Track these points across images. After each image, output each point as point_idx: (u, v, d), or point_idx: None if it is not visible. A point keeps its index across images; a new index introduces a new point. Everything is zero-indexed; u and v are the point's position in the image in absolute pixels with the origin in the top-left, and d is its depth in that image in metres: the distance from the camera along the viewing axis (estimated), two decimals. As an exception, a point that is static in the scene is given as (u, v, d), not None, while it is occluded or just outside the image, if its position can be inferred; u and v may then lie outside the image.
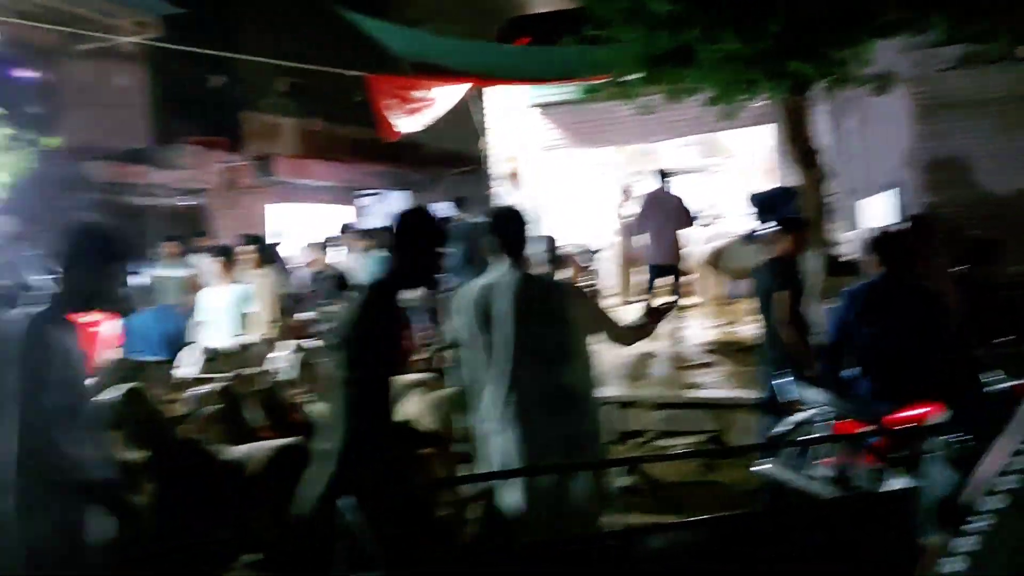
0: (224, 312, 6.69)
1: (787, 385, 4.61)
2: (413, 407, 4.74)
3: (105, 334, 6.31)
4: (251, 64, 13.03)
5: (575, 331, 3.40)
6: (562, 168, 12.72)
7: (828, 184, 7.51)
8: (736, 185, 11.95)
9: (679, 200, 9.19)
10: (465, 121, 12.36)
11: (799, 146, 7.32)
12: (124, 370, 5.11)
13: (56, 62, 11.17)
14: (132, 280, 10.01)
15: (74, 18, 10.09)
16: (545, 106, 11.97)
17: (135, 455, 3.88)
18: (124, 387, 4.08)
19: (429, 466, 4.21)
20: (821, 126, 9.11)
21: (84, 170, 10.92)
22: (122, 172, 11.49)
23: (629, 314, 4.64)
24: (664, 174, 9.70)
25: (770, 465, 4.24)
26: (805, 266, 5.68)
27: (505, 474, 3.33)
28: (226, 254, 6.90)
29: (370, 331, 3.02)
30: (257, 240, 7.53)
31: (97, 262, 2.85)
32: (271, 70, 15.11)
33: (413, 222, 3.23)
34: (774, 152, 11.14)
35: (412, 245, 3.16)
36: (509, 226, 3.48)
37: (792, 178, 8.35)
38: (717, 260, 9.21)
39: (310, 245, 10.36)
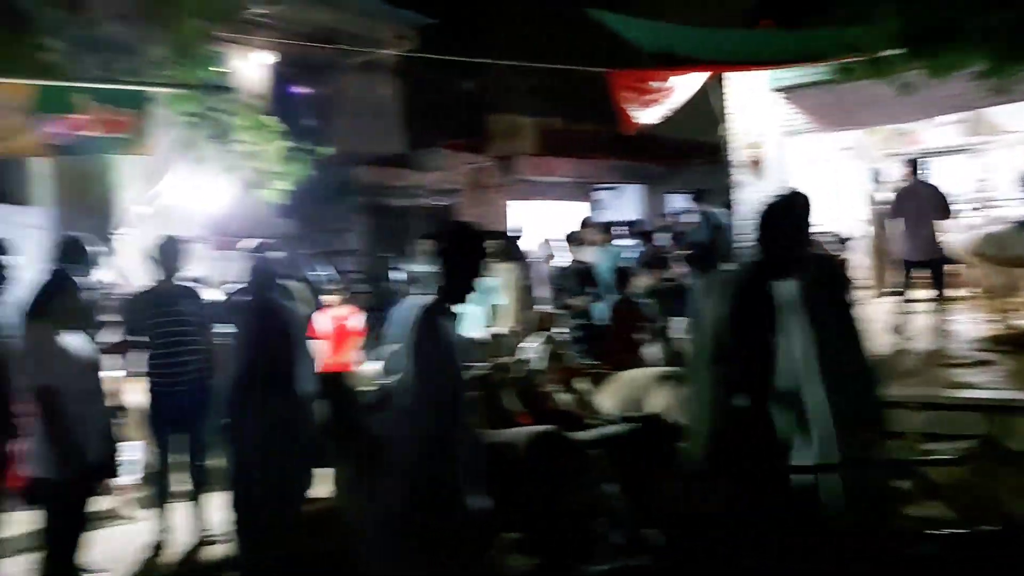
0: (475, 304, 7.10)
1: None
2: (661, 400, 4.79)
3: (353, 326, 6.93)
4: (496, 68, 13.65)
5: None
6: (807, 153, 12.11)
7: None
8: (1007, 165, 10.80)
9: (935, 190, 8.46)
10: (703, 109, 12.13)
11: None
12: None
13: (326, 77, 12.35)
14: (392, 275, 10.88)
15: (343, 35, 11.09)
16: (788, 89, 11.43)
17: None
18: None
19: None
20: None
21: (351, 175, 12.00)
22: (383, 176, 12.49)
23: (881, 309, 4.38)
24: (916, 162, 9.04)
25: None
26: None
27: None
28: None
29: (743, 316, 3.11)
30: (502, 236, 7.89)
31: (470, 261, 3.27)
32: (515, 72, 15.72)
33: (778, 210, 3.24)
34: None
35: (777, 234, 3.19)
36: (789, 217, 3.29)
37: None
38: (989, 248, 8.38)
39: (548, 240, 10.70)
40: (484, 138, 16.21)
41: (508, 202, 15.14)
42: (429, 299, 3.12)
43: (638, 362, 5.51)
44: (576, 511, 3.57)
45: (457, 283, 3.17)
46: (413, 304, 3.12)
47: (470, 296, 3.32)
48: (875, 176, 10.68)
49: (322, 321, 6.54)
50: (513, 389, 4.70)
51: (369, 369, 6.24)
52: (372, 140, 12.65)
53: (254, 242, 6.37)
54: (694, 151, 17.78)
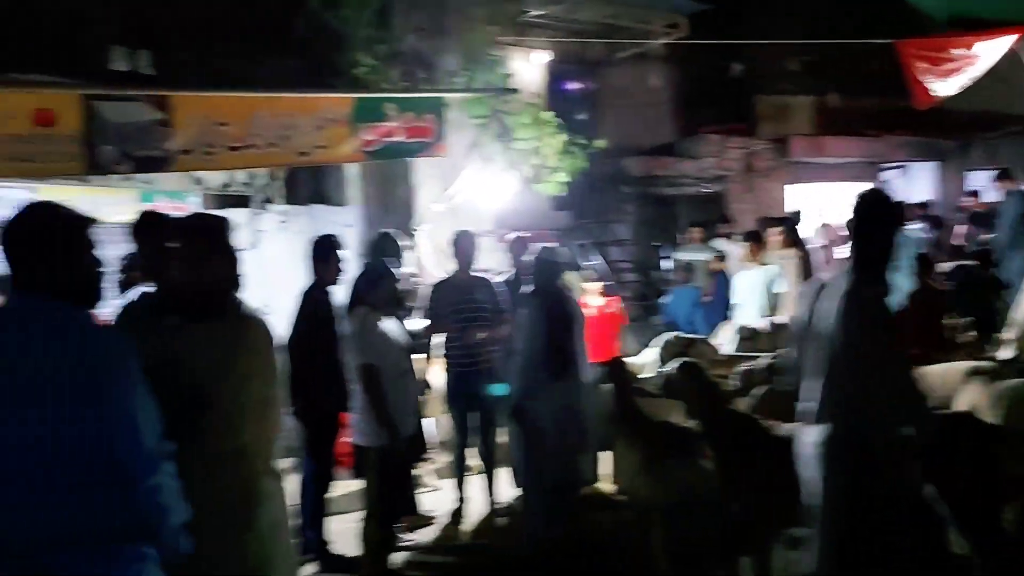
0: (755, 293, 6.95)
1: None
2: (971, 397, 4.41)
3: (621, 315, 7.03)
4: (768, 47, 13.14)
5: None
6: None
7: None
8: None
9: None
10: (1006, 77, 10.87)
11: None
12: (677, 345, 5.62)
13: (598, 71, 12.59)
14: (663, 263, 10.92)
15: (615, 29, 11.25)
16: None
17: (693, 424, 4.29)
18: (679, 360, 4.52)
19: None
20: None
21: (621, 166, 12.15)
22: (653, 165, 12.52)
23: None
24: None
25: None
26: None
27: None
28: (756, 238, 7.15)
29: None
30: (784, 222, 7.64)
31: (886, 230, 3.18)
32: (788, 50, 15.03)
33: None
34: None
35: None
36: None
37: None
38: None
39: (825, 225, 10.16)
40: (755, 121, 15.66)
41: (783, 186, 14.53)
42: (850, 277, 3.09)
43: (942, 356, 5.09)
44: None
45: (875, 254, 3.09)
46: (835, 284, 3.08)
47: (886, 269, 3.20)
48: None
49: (593, 309, 6.74)
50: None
51: (643, 358, 6.33)
52: (641, 130, 12.72)
53: (538, 234, 6.71)
54: (996, 123, 15.94)
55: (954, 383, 4.47)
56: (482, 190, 7.83)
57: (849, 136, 15.53)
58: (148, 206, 5.39)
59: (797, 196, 14.77)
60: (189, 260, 2.76)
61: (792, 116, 16.45)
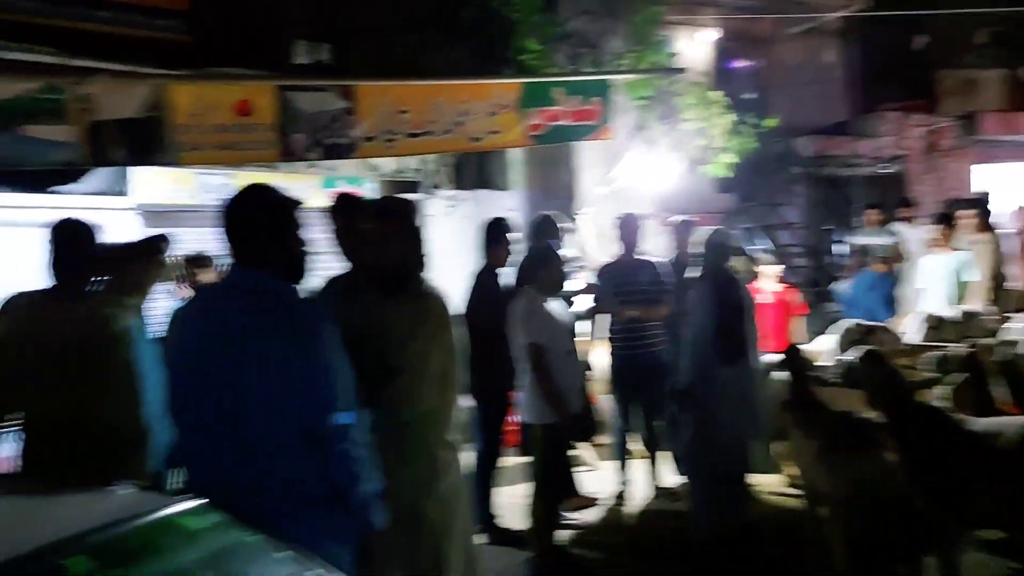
0: (943, 279, 6.54)
1: None
2: None
3: (792, 300, 6.77)
4: (950, 18, 12.23)
5: None
6: None
7: None
8: None
9: None
10: None
11: None
12: (857, 333, 5.38)
13: (768, 48, 12.13)
14: (836, 248, 10.43)
15: (785, 3, 10.81)
16: None
17: (876, 415, 4.10)
18: (862, 348, 4.33)
19: None
20: None
21: (793, 147, 11.67)
22: (826, 145, 11.95)
23: None
24: None
25: None
26: None
27: None
28: (946, 220, 6.72)
29: None
30: (977, 204, 7.12)
31: None
32: (973, 20, 13.92)
33: None
34: None
35: None
36: None
37: None
38: None
39: (1021, 208, 9.38)
40: (938, 97, 14.61)
41: (969, 166, 13.51)
42: None
43: None
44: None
45: None
46: None
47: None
48: None
49: (762, 295, 6.55)
50: (998, 374, 4.25)
51: (819, 345, 6.09)
52: (814, 109, 12.15)
53: (705, 217, 6.58)
54: None
55: None
56: (645, 173, 7.75)
57: (1047, 111, 14.24)
58: (332, 191, 5.68)
59: (985, 177, 13.70)
60: (382, 240, 2.90)
61: (980, 91, 15.24)
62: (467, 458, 5.01)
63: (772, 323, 6.31)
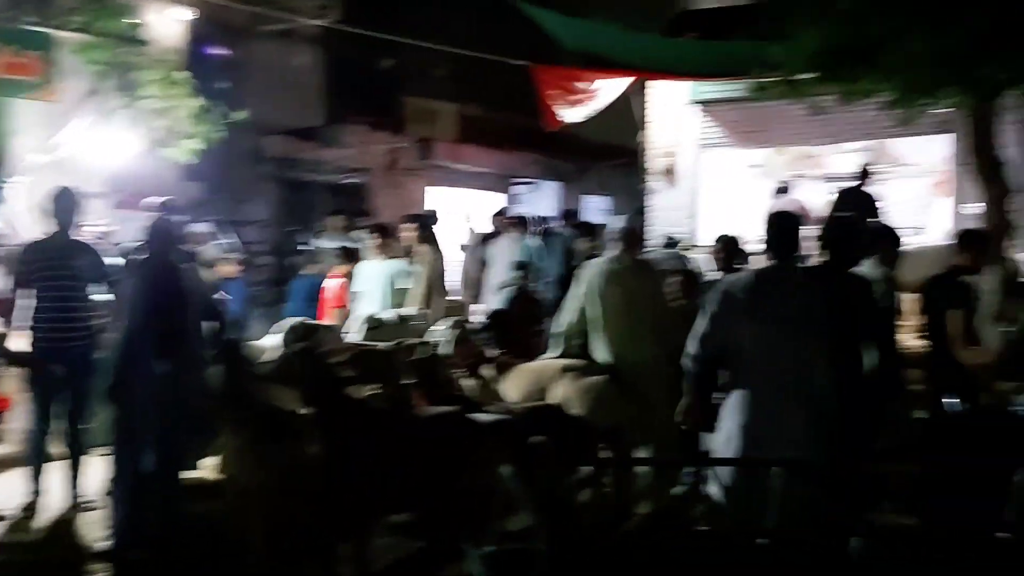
0: (379, 284, 7.04)
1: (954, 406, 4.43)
2: (561, 391, 4.84)
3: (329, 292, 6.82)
4: (417, 48, 13.45)
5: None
6: (720, 167, 12.48)
7: (1011, 200, 7.06)
8: (902, 197, 11.36)
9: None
10: (624, 114, 12.32)
11: (984, 157, 6.91)
12: (300, 331, 5.46)
13: (245, 41, 11.94)
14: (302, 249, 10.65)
15: (263, 1, 10.74)
16: (707, 103, 11.78)
17: (306, 410, 4.18)
18: (297, 347, 4.40)
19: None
20: (1007, 138, 8.53)
21: (263, 144, 11.65)
22: (294, 148, 12.16)
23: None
24: (782, 188, 10.42)
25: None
26: (981, 284, 5.37)
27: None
28: (383, 231, 7.25)
29: None
30: (419, 219, 7.83)
31: None
32: (435, 55, 15.55)
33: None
34: (950, 163, 10.51)
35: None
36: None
37: (970, 191, 7.89)
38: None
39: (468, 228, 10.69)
40: (402, 119, 15.98)
41: (424, 187, 15.00)
42: None
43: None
44: (471, 494, 3.58)
45: None
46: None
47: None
48: (777, 194, 11.13)
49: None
50: (416, 371, 4.67)
51: (267, 342, 6.07)
52: (286, 110, 12.28)
53: (157, 201, 6.14)
54: (611, 153, 18.01)
55: (548, 378, 4.89)
56: (96, 145, 6.99)
57: (488, 147, 16.51)
58: None
59: (438, 198, 15.33)
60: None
61: (437, 120, 17.08)
62: None
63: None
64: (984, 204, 7.04)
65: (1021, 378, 5.48)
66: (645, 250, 10.32)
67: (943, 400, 4.68)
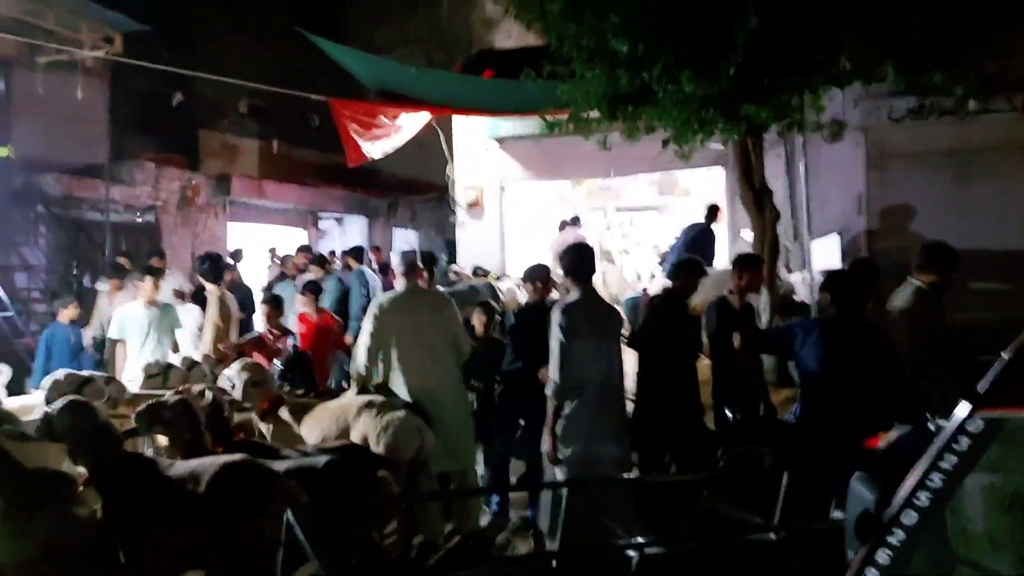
0: (157, 329, 6.60)
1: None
2: (362, 427, 4.75)
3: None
4: (211, 83, 12.99)
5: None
6: (521, 199, 12.89)
7: (778, 225, 7.71)
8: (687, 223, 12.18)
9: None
10: (432, 150, 12.46)
11: (750, 187, 7.52)
12: (68, 384, 5.02)
13: (17, 74, 11.01)
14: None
15: (37, 30, 9.98)
16: (503, 139, 12.16)
17: (79, 468, 3.84)
18: (67, 399, 4.03)
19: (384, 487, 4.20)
20: (775, 169, 9.35)
21: (40, 183, 10.74)
22: (77, 186, 11.30)
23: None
24: (572, 220, 11.42)
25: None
26: (759, 304, 5.80)
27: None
28: (154, 273, 6.80)
29: None
30: (208, 258, 7.44)
31: None
32: (232, 90, 15.09)
33: None
34: (725, 193, 11.42)
35: None
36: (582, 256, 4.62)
37: (744, 218, 8.56)
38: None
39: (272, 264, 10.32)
40: (197, 155, 15.35)
41: (221, 224, 14.41)
42: None
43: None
44: (262, 541, 3.41)
45: None
46: None
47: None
48: (562, 226, 11.85)
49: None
50: (207, 417, 4.41)
51: (32, 399, 5.52)
52: (69, 146, 11.43)
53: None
54: (419, 189, 18.15)
55: (349, 416, 4.78)
56: None
57: (290, 183, 16.15)
58: None
59: (240, 235, 14.78)
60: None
61: (237, 155, 16.55)
62: None
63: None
64: (753, 230, 7.64)
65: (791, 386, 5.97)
66: (454, 280, 10.50)
67: (726, 412, 4.96)
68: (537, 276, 5.64)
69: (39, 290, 10.56)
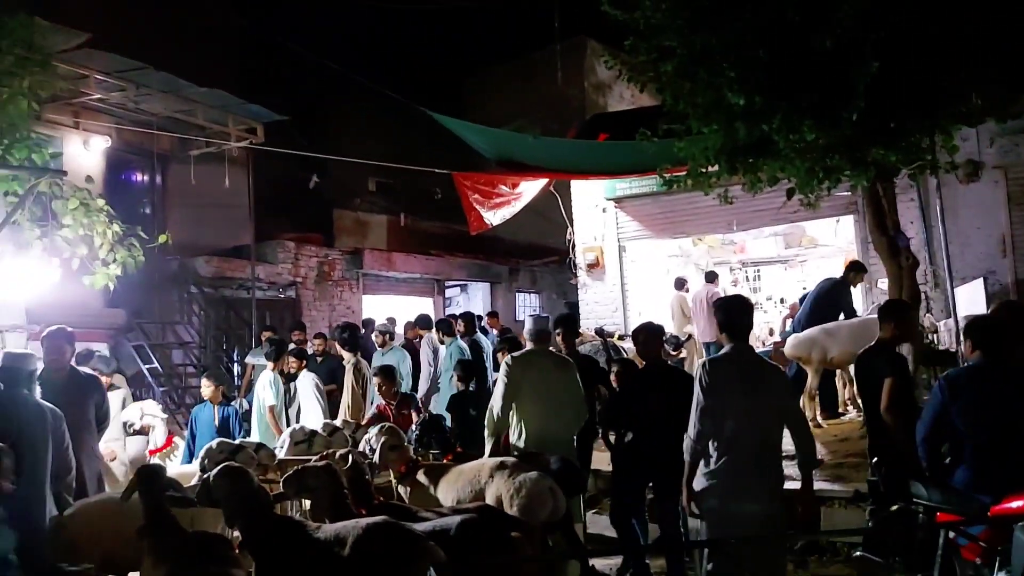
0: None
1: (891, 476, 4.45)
2: (495, 489, 4.81)
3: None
4: (343, 164, 13.79)
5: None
6: (641, 258, 12.87)
7: (917, 272, 7.38)
8: (821, 274, 11.80)
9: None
10: (551, 215, 12.72)
11: (884, 235, 7.23)
12: (221, 452, 5.34)
13: (169, 166, 12.05)
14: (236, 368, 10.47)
15: (189, 126, 10.92)
16: (620, 199, 12.23)
17: (233, 531, 4.06)
18: (224, 465, 4.29)
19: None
20: (909, 215, 8.98)
21: (191, 266, 11.61)
22: (224, 267, 12.15)
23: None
24: (708, 276, 11.46)
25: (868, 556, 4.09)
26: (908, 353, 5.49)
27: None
28: (282, 347, 7.25)
29: None
30: (347, 328, 7.81)
31: None
32: (363, 170, 15.96)
33: None
34: (857, 242, 11.01)
35: None
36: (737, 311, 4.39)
37: (879, 267, 8.24)
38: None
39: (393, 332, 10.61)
40: (332, 232, 16.22)
41: (355, 296, 15.08)
42: None
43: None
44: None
45: None
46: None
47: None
48: (677, 282, 11.85)
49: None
50: (348, 481, 4.59)
51: (192, 467, 5.90)
52: (215, 231, 12.37)
53: (90, 331, 6.03)
54: (539, 253, 18.43)
55: (482, 477, 4.86)
56: (13, 277, 6.87)
57: (417, 254, 16.77)
58: None
59: (371, 305, 15.39)
60: None
61: (368, 231, 17.37)
62: None
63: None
64: (889, 278, 7.34)
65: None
66: (579, 342, 10.52)
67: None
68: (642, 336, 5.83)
69: (192, 365, 11.29)
